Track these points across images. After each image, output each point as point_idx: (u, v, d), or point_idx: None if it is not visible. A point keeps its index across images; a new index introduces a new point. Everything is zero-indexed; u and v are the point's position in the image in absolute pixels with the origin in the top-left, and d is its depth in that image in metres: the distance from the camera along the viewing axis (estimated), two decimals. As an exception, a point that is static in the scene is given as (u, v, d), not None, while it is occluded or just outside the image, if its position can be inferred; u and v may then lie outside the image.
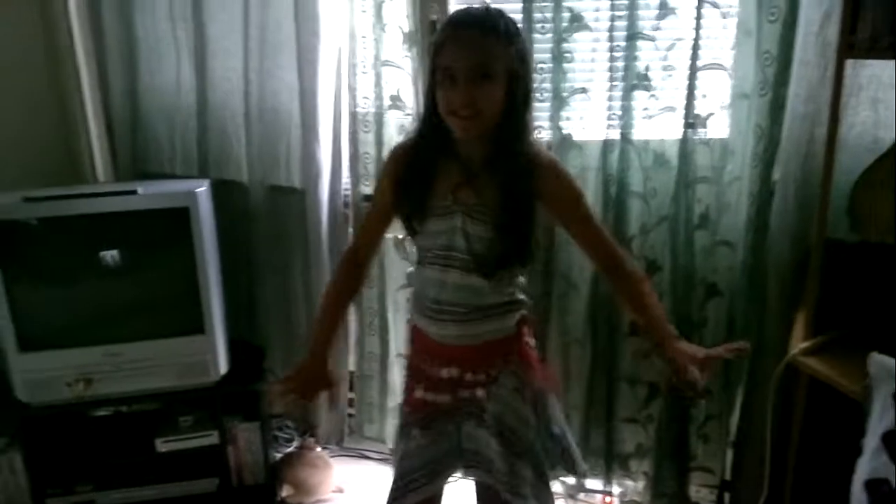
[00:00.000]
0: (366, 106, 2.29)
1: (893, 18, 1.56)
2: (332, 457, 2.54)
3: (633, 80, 2.03)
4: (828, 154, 1.68)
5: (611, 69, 2.04)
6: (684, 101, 2.01)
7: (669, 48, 2.01)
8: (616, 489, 2.38)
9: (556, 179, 1.47)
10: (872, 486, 1.48)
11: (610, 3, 2.00)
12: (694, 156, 2.04)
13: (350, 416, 2.63)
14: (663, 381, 1.78)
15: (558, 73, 2.07)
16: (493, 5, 1.45)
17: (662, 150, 2.09)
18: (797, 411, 1.86)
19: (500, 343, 1.54)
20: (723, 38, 1.99)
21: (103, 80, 2.47)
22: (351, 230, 2.43)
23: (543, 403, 1.60)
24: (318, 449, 2.50)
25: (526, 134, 1.44)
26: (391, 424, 2.47)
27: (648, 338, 1.59)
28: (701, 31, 1.95)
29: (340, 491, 2.47)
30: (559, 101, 2.09)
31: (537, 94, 2.09)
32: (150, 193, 2.13)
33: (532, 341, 1.62)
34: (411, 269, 1.61)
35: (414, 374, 1.62)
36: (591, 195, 2.15)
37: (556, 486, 2.39)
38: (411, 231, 1.50)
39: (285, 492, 2.43)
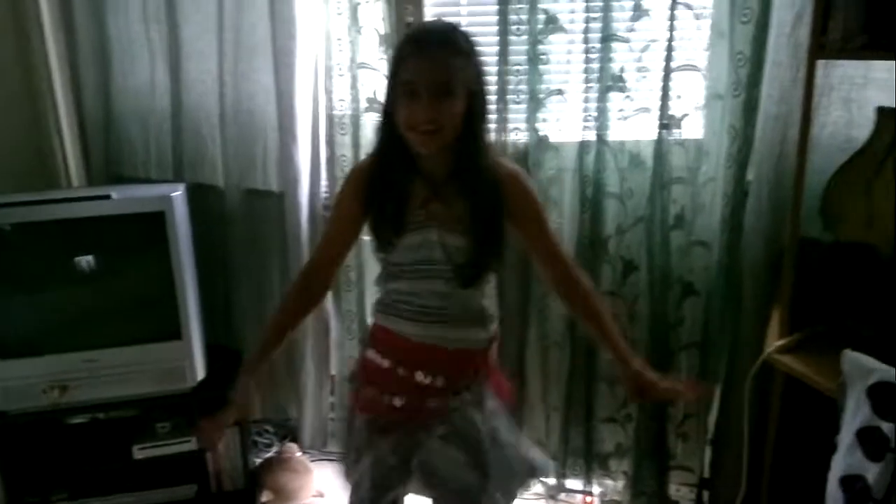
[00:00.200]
0: (342, 108, 2.27)
1: (864, 19, 1.59)
2: (313, 461, 2.53)
3: (609, 82, 2.04)
4: (800, 154, 1.70)
5: (586, 71, 2.05)
6: (659, 103, 2.02)
7: (644, 49, 2.02)
8: (596, 489, 2.38)
9: (519, 192, 1.48)
10: (847, 482, 1.50)
11: (585, 4, 2.01)
12: (669, 157, 2.06)
13: (332, 419, 2.62)
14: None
15: (534, 74, 2.08)
16: (449, 19, 1.45)
17: (638, 151, 2.10)
18: (773, 409, 1.87)
19: (473, 354, 1.54)
20: (696, 39, 2.01)
21: (76, 81, 2.44)
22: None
23: (497, 414, 1.60)
24: (298, 454, 2.49)
25: (485, 147, 1.45)
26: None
27: (605, 353, 1.58)
28: (675, 33, 1.97)
29: (321, 495, 2.46)
30: (535, 103, 2.10)
31: (514, 96, 2.10)
32: (124, 198, 2.11)
33: (495, 355, 1.64)
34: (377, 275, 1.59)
35: (380, 380, 1.56)
36: (568, 196, 2.16)
37: (536, 487, 2.41)
38: (386, 248, 1.49)
39: (265, 497, 2.42)
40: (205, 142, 2.43)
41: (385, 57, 2.17)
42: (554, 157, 2.14)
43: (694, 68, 2.03)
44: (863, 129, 1.80)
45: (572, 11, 2.05)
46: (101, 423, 2.28)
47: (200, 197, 2.36)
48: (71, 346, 2.15)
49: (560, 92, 2.10)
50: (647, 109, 2.06)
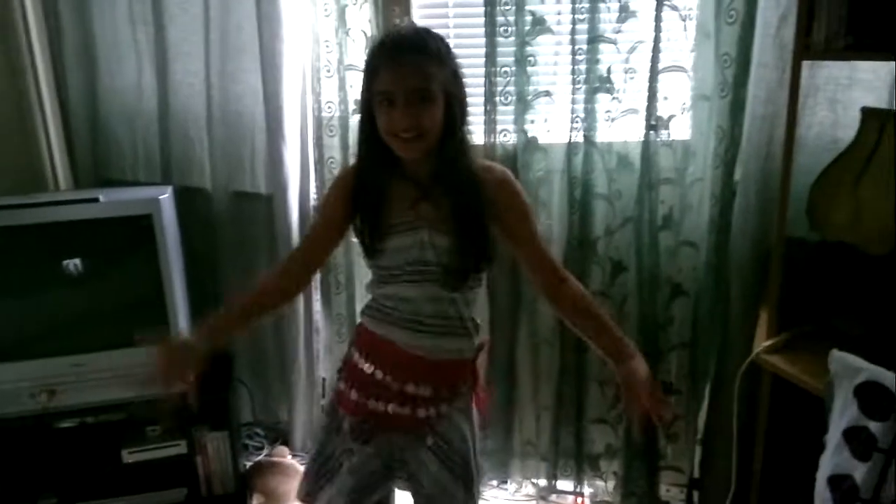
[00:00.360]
0: (331, 110, 2.27)
1: (848, 20, 1.59)
2: (303, 464, 2.51)
3: (596, 83, 2.05)
4: (786, 155, 1.70)
5: (573, 72, 2.05)
6: (646, 104, 2.03)
7: (631, 51, 2.03)
8: (587, 490, 2.39)
9: (508, 194, 1.48)
10: (835, 481, 1.50)
11: (571, 6, 2.01)
12: (657, 157, 2.06)
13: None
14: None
15: (522, 76, 2.08)
16: (435, 21, 1.44)
17: (626, 152, 2.10)
18: (762, 409, 1.88)
19: (459, 365, 1.54)
20: (682, 40, 2.01)
21: (62, 83, 2.43)
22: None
23: (475, 423, 1.61)
24: (289, 456, 2.48)
25: (467, 147, 1.45)
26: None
27: (603, 356, 1.52)
28: (661, 34, 1.97)
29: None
30: (523, 105, 2.10)
31: (501, 98, 2.10)
32: (112, 201, 2.10)
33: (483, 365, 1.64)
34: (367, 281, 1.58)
35: (361, 383, 1.55)
36: (557, 198, 2.17)
37: (527, 488, 2.41)
38: (372, 253, 1.48)
39: (256, 500, 2.41)
40: (192, 144, 2.43)
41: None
42: (542, 159, 2.14)
43: (681, 69, 2.03)
44: (848, 129, 1.80)
45: (559, 13, 2.05)
46: (90, 426, 2.26)
47: (188, 199, 2.36)
48: (59, 350, 2.13)
49: (548, 93, 2.10)
50: (634, 110, 2.06)
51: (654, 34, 1.97)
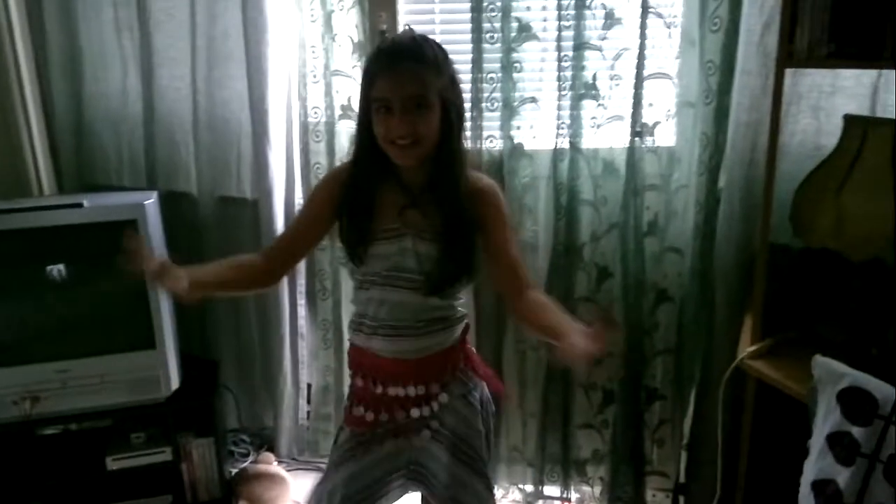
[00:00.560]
0: (317, 116, 2.27)
1: (831, 28, 1.60)
2: (289, 471, 2.51)
3: (581, 90, 2.06)
4: (769, 162, 1.71)
5: (559, 79, 2.06)
6: (631, 110, 2.04)
7: (616, 58, 2.04)
8: (574, 495, 2.39)
9: (494, 206, 1.48)
10: (819, 486, 1.51)
11: (557, 13, 2.02)
12: (642, 164, 2.07)
13: (307, 428, 2.61)
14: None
15: (508, 82, 2.08)
16: (418, 31, 1.44)
17: (611, 158, 2.11)
18: (746, 414, 1.89)
19: (447, 353, 1.53)
20: (667, 47, 2.03)
21: (47, 88, 2.41)
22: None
23: (488, 410, 1.61)
24: (275, 463, 2.47)
25: (463, 155, 1.45)
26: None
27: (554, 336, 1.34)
28: (646, 41, 1.99)
29: (297, 504, 2.45)
30: (509, 111, 2.10)
31: (488, 104, 2.11)
32: (96, 206, 2.09)
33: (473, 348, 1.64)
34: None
35: (362, 398, 1.57)
36: (543, 204, 2.17)
37: (514, 494, 2.41)
38: (355, 258, 1.48)
39: (241, 507, 2.41)
40: (178, 149, 2.42)
41: (359, 64, 2.17)
42: (528, 165, 2.15)
43: (665, 76, 2.05)
44: (831, 136, 1.82)
45: (545, 20, 2.06)
46: (74, 434, 2.25)
47: (174, 204, 2.35)
48: (43, 357, 2.11)
49: (534, 100, 2.11)
50: (619, 117, 2.08)
51: (639, 41, 1.99)
